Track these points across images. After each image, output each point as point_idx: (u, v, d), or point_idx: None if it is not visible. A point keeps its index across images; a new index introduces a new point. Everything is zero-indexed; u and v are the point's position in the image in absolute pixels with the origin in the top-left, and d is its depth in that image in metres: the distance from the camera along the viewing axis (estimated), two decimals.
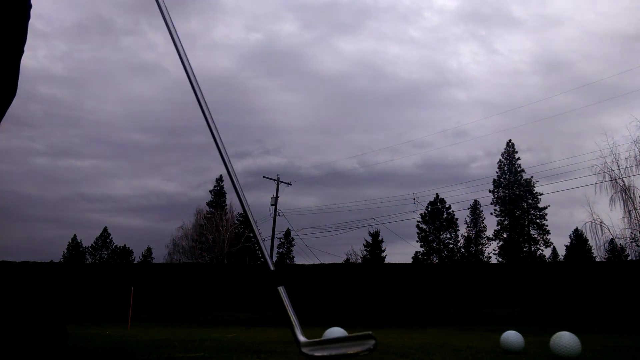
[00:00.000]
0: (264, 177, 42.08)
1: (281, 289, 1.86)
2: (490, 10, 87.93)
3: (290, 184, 42.14)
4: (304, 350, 1.77)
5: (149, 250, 62.33)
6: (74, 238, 61.21)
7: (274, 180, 40.97)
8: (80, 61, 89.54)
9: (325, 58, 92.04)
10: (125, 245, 62.61)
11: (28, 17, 1.76)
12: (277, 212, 40.09)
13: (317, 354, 1.70)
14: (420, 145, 74.51)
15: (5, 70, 1.63)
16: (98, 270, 27.79)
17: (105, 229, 62.50)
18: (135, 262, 61.18)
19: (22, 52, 1.75)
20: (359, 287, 24.05)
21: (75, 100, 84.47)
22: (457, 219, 54.38)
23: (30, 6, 1.78)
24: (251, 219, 2.26)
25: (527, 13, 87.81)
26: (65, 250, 59.89)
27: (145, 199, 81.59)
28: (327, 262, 26.97)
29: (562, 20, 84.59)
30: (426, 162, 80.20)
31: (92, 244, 61.50)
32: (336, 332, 2.71)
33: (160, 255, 56.30)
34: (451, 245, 53.97)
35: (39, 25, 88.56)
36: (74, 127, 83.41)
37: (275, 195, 40.51)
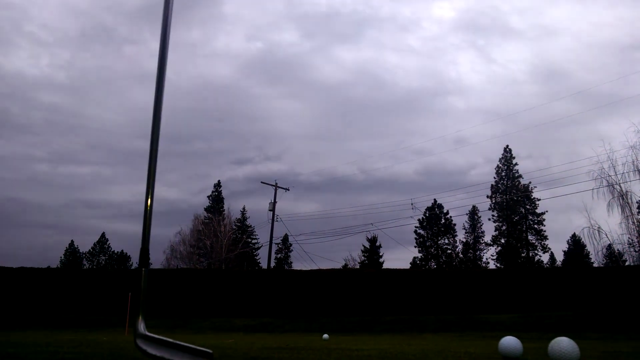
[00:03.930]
0: (261, 182, 42.10)
1: (144, 271, 1.84)
2: (488, 20, 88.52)
3: (289, 190, 42.12)
4: (139, 341, 1.74)
5: None
6: (72, 244, 61.03)
7: (272, 185, 40.97)
8: (83, 69, 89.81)
9: (325, 66, 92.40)
10: (122, 250, 62.45)
11: None
12: (276, 218, 40.05)
13: (148, 350, 1.68)
14: (420, 152, 74.70)
15: None
16: (95, 276, 27.66)
17: (102, 235, 62.35)
18: (132, 267, 60.96)
19: None
20: (357, 292, 23.99)
21: (77, 107, 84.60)
22: (455, 225, 54.40)
23: None
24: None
25: (524, 23, 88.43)
26: (63, 256, 59.69)
27: (143, 205, 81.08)
28: (325, 268, 26.93)
29: (559, 30, 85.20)
30: (425, 169, 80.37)
31: (89, 250, 61.31)
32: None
33: (158, 261, 56.04)
34: (449, 251, 53.90)
35: (43, 34, 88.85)
36: (75, 134, 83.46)
37: (273, 201, 40.49)
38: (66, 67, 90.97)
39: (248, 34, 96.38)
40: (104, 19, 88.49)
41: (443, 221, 54.50)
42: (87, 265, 60.34)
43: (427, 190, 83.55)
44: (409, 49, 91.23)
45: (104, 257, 61.47)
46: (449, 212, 54.58)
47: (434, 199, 54.96)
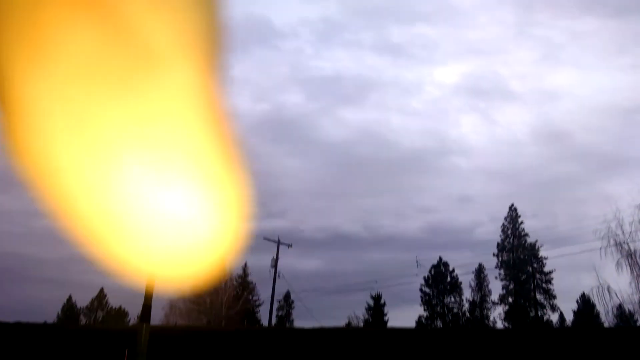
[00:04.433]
0: (264, 238, 41.66)
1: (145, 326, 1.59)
2: (490, 84, 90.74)
3: (291, 246, 41.74)
4: None
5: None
6: (69, 299, 59.99)
7: (274, 242, 40.59)
8: None
9: (330, 126, 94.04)
10: (121, 306, 61.25)
11: None
12: (278, 275, 39.45)
13: None
14: (425, 210, 74.50)
15: None
16: (92, 333, 26.93)
17: (101, 290, 61.38)
18: (130, 323, 59.62)
19: None
20: (360, 353, 23.14)
21: None
22: (461, 283, 53.40)
23: None
24: None
25: (524, 87, 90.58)
26: (60, 312, 58.49)
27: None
28: (327, 326, 26.17)
29: (559, 94, 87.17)
30: (430, 227, 79.85)
31: (87, 305, 60.18)
32: None
33: (156, 317, 55.01)
34: (455, 310, 52.67)
35: None
36: None
37: (275, 257, 40.03)
38: None
39: (254, 95, 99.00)
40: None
41: (449, 279, 53.56)
42: (85, 321, 59.09)
43: (433, 248, 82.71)
44: (412, 110, 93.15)
45: (101, 313, 60.26)
46: (455, 270, 53.78)
47: (440, 257, 54.29)
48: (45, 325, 31.57)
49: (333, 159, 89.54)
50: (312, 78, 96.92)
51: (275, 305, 46.01)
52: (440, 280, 53.47)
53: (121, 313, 60.48)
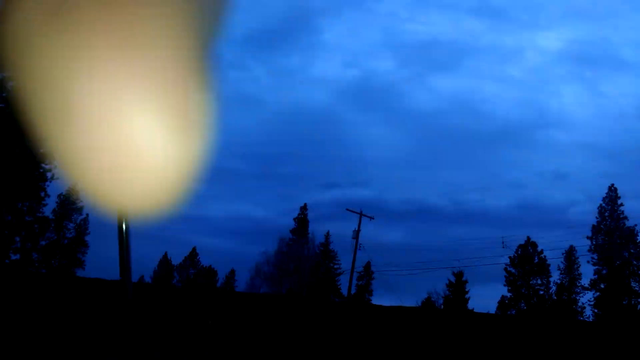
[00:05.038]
0: (347, 209, 42.18)
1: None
2: (598, 52, 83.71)
3: (373, 219, 41.88)
4: None
5: (232, 272, 64.10)
6: (165, 255, 64.31)
7: (357, 213, 40.90)
8: None
9: (420, 95, 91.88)
10: (210, 265, 64.90)
11: None
12: (359, 246, 39.87)
13: None
14: (515, 186, 71.53)
15: None
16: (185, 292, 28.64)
17: (194, 249, 65.18)
18: (218, 283, 63.16)
19: None
20: (439, 335, 23.08)
21: None
22: (549, 265, 51.21)
23: None
24: None
25: (638, 56, 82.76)
26: (157, 267, 63.07)
27: (234, 222, 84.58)
28: (406, 306, 26.31)
29: None
30: (520, 204, 76.73)
31: (180, 262, 64.32)
32: None
33: (242, 280, 57.83)
34: (541, 292, 50.81)
35: None
36: None
37: (357, 229, 40.39)
38: None
39: (345, 61, 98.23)
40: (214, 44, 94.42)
41: (536, 260, 51.55)
42: (177, 277, 63.28)
43: (521, 226, 79.66)
44: (509, 79, 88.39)
45: (193, 271, 64.16)
46: (543, 251, 51.62)
47: (528, 236, 52.25)
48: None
49: (421, 128, 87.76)
50: (404, 43, 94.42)
51: (355, 275, 46.71)
52: (526, 260, 51.60)
53: (210, 272, 64.12)
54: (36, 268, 45.35)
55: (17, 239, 40.58)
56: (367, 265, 55.11)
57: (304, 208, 57.56)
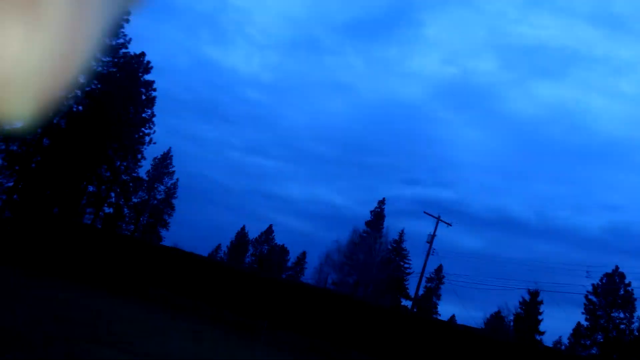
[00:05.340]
0: (424, 212, 41.38)
1: None
2: None
3: (451, 225, 40.87)
4: None
5: (304, 254, 65.39)
6: (243, 229, 66.78)
7: (435, 217, 40.06)
8: (287, 73, 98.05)
9: (519, 100, 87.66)
10: (284, 244, 66.59)
11: None
12: (432, 252, 39.17)
13: None
14: (610, 208, 66.78)
15: None
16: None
17: (270, 226, 67.11)
18: (289, 263, 64.70)
19: None
20: None
21: (275, 106, 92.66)
22: (636, 299, 47.61)
23: None
24: None
25: None
26: (234, 239, 65.66)
27: (311, 205, 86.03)
28: (472, 327, 25.50)
29: None
30: (613, 227, 71.62)
31: (256, 237, 66.51)
32: None
33: (312, 262, 58.81)
34: (622, 326, 47.45)
35: (260, 37, 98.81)
36: (267, 130, 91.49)
37: (432, 233, 39.63)
38: (273, 69, 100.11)
39: (444, 57, 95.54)
40: (313, 30, 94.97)
41: (622, 292, 48.11)
42: (252, 251, 65.57)
43: (610, 252, 74.47)
44: (619, 94, 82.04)
45: (267, 247, 66.18)
46: (631, 283, 48.01)
47: (616, 265, 48.81)
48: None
49: (517, 135, 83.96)
50: (510, 45, 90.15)
51: (424, 277, 46.01)
52: (611, 291, 48.31)
53: (283, 250, 65.83)
54: (126, 223, 49.22)
55: (112, 194, 43.75)
56: (439, 269, 54.19)
57: (381, 202, 57.30)
